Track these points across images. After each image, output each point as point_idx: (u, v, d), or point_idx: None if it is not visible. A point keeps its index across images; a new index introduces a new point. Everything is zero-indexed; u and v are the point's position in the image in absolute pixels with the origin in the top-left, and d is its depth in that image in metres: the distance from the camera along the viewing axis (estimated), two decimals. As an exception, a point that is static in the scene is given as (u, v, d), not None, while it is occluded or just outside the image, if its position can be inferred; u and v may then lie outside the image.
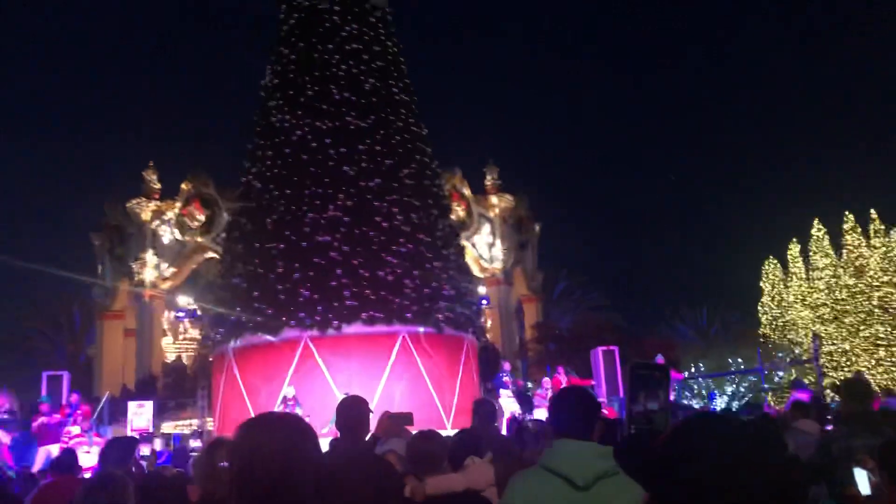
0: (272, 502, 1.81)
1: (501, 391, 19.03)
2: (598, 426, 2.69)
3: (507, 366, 20.76)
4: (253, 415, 2.16)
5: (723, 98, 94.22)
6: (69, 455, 7.98)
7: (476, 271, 29.50)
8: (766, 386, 25.77)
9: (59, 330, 35.33)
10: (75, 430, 16.36)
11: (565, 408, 2.78)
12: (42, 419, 16.15)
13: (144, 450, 14.84)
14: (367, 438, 4.50)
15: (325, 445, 4.57)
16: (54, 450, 14.98)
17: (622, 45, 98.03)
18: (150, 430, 18.33)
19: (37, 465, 14.11)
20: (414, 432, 4.77)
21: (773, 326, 35.96)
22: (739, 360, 28.35)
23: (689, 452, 1.17)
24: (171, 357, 29.77)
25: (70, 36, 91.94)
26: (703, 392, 29.21)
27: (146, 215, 28.14)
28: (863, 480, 3.77)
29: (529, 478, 2.71)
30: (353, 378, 16.26)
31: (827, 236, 35.72)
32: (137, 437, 13.91)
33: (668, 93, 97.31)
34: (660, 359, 18.40)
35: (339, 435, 4.52)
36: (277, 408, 15.59)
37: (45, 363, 25.72)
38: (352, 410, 4.38)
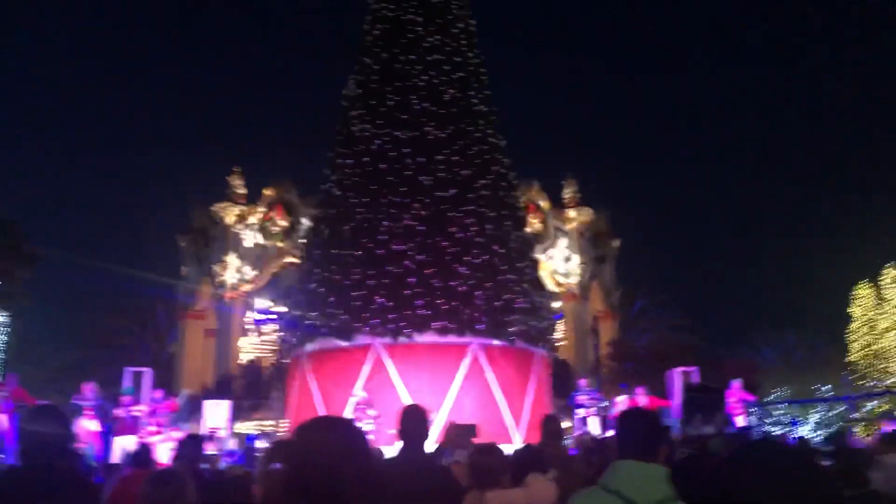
0: (323, 502, 1.79)
1: (577, 410, 18.73)
2: (663, 448, 2.57)
3: (582, 382, 20.36)
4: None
5: (822, 115, 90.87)
6: (145, 449, 8.23)
7: (551, 285, 29.20)
8: (854, 416, 24.52)
9: (145, 328, 36.72)
10: (152, 428, 16.89)
11: (629, 428, 2.68)
12: (120, 411, 16.73)
13: (210, 449, 15.25)
14: (432, 448, 4.47)
15: (394, 451, 4.58)
16: (129, 442, 15.52)
17: (716, 56, 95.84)
18: (219, 429, 18.76)
19: (114, 457, 14.59)
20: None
21: (865, 354, 34.27)
22: (826, 387, 27.09)
23: (743, 481, 1.07)
24: (249, 358, 30.55)
25: (159, 45, 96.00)
26: (786, 419, 28.04)
27: (230, 219, 28.99)
28: None
29: (589, 497, 2.61)
30: (423, 387, 16.30)
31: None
32: (206, 435, 14.24)
33: (756, 106, 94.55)
34: (737, 382, 17.74)
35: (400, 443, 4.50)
36: (348, 411, 15.77)
37: (130, 360, 26.70)
38: (412, 419, 4.36)
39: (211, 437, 15.56)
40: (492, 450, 4.07)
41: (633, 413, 2.84)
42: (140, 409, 17.06)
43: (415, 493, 3.89)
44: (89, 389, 16.77)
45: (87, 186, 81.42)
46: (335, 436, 1.94)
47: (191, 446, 6.77)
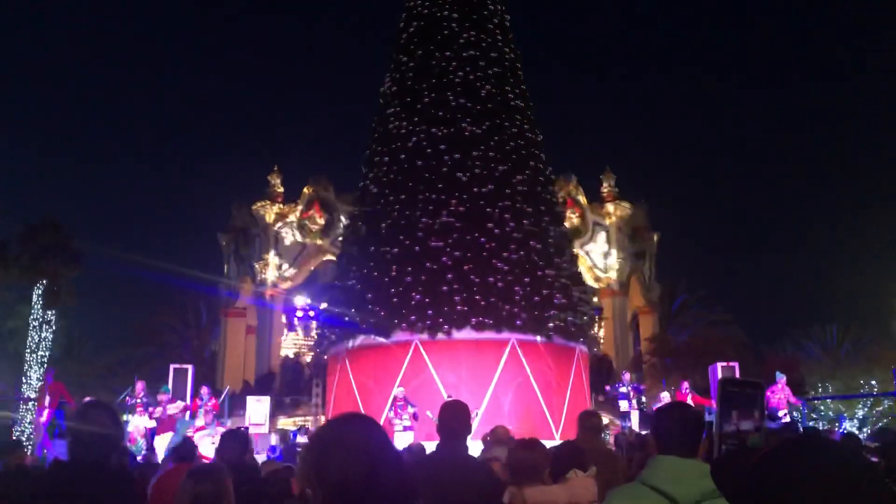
0: (347, 496, 1.79)
1: (620, 402, 18.65)
2: (703, 444, 2.54)
3: (626, 376, 20.19)
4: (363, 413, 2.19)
5: (865, 102, 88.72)
6: (189, 444, 8.36)
7: (590, 281, 28.95)
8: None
9: (188, 325, 37.33)
10: (199, 422, 17.15)
11: (669, 423, 2.64)
12: (159, 409, 17.01)
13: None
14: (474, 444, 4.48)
15: (433, 446, 4.59)
16: (169, 439, 15.75)
17: (754, 50, 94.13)
18: (260, 425, 19.01)
19: (159, 454, 14.81)
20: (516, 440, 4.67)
21: (914, 348, 33.40)
22: (873, 382, 26.43)
23: (787, 477, 1.05)
24: (289, 354, 30.88)
25: (200, 45, 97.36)
26: (831, 414, 27.45)
27: (270, 217, 29.31)
28: None
29: (629, 493, 2.59)
30: (462, 383, 16.33)
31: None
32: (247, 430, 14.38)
33: (802, 101, 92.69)
34: (782, 378, 17.44)
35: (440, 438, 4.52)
36: (388, 408, 15.85)
37: (173, 357, 27.19)
38: (453, 414, 4.37)
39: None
40: (533, 445, 4.02)
41: (672, 408, 2.80)
42: (176, 408, 17.29)
43: (453, 487, 3.90)
44: (141, 387, 17.13)
45: (131, 186, 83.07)
46: (351, 430, 1.91)
47: (234, 441, 6.83)
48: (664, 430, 2.64)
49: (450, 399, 4.75)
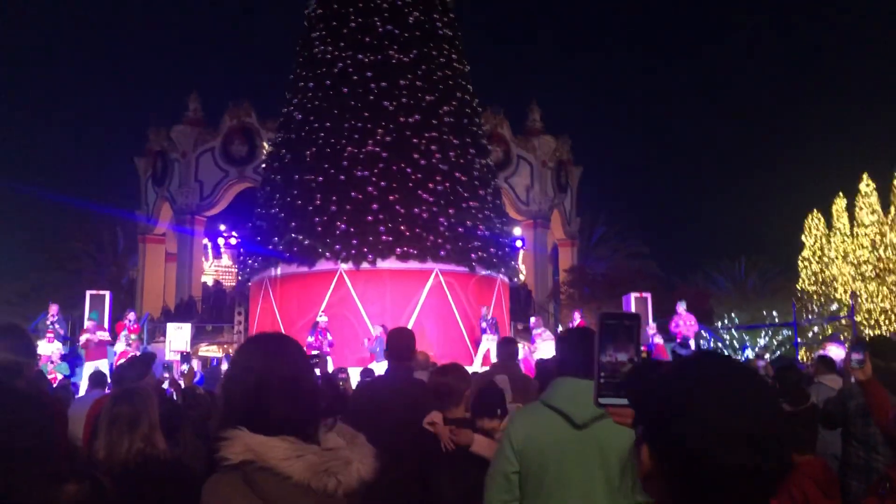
0: (256, 412, 1.85)
1: (537, 340, 19.13)
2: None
3: (483, 310, 19.56)
4: None
5: (776, 43, 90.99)
6: (99, 373, 8.35)
7: (513, 213, 29.39)
8: (798, 340, 25.54)
9: (104, 251, 36.17)
10: (120, 347, 16.88)
11: (569, 346, 2.80)
12: (87, 335, 16.70)
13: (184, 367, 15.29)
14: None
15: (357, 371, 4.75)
16: (102, 365, 15.54)
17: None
18: (187, 351, 18.90)
19: (83, 381, 14.62)
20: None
21: (813, 281, 35.44)
22: (774, 313, 28.03)
23: (685, 386, 1.17)
24: (210, 282, 30.49)
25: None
26: (735, 344, 29.06)
27: (189, 143, 28.42)
28: None
29: (529, 414, 2.78)
30: (385, 312, 16.54)
31: (875, 192, 34.85)
32: (154, 354, 14.16)
33: (715, 38, 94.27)
34: (681, 305, 18.13)
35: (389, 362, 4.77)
36: (310, 336, 15.96)
37: (90, 283, 26.47)
38: (401, 340, 4.63)
39: (183, 358, 15.66)
40: (451, 370, 4.03)
41: (572, 332, 2.97)
42: (105, 335, 16.97)
43: (381, 404, 4.14)
44: (55, 311, 16.67)
45: (44, 106, 78.61)
46: (265, 350, 1.99)
47: (137, 365, 6.76)
48: (565, 353, 2.81)
49: (397, 326, 5.01)
